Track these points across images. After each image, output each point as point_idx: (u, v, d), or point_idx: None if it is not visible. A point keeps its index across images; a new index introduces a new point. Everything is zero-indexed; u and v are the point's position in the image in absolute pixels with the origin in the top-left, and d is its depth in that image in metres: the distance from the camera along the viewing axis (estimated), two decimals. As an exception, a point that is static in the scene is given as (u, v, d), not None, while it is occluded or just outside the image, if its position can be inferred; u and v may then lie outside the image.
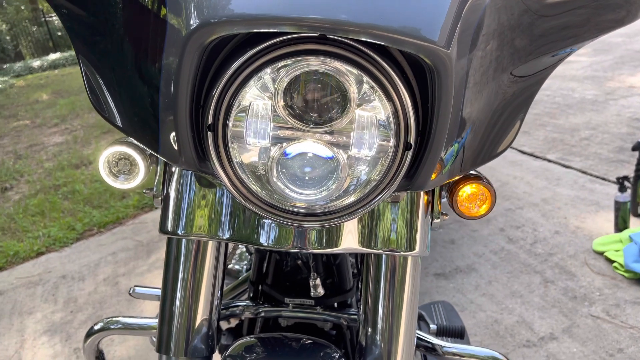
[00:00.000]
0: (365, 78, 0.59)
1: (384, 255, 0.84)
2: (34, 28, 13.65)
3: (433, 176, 0.69)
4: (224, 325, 1.26)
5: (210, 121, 0.61)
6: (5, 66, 11.81)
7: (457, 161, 0.72)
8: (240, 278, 1.38)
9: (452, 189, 0.85)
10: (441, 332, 1.33)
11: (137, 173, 0.81)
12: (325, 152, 0.64)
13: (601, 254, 2.40)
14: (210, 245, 0.82)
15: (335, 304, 1.18)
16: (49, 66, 11.77)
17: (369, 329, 0.86)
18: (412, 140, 0.63)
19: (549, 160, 3.52)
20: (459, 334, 1.33)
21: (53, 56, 12.61)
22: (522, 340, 1.96)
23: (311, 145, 0.64)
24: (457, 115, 0.65)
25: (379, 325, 0.85)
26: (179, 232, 0.79)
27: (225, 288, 1.36)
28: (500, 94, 0.75)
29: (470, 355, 1.10)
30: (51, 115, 6.73)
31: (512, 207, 2.93)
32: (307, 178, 0.66)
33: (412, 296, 0.85)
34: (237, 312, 1.13)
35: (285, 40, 0.58)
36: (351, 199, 0.68)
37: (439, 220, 0.89)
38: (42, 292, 2.66)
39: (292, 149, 0.64)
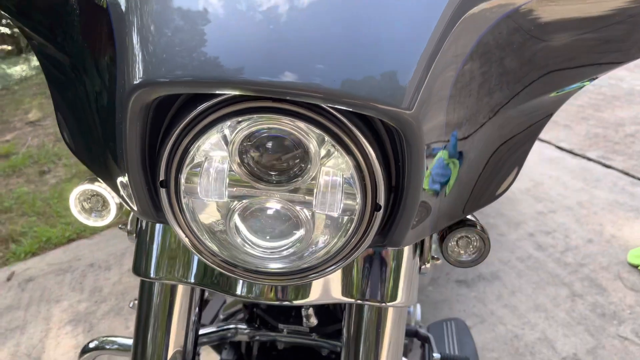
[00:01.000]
0: (327, 137, 0.54)
1: (365, 305, 0.79)
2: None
3: (411, 232, 0.64)
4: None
5: (162, 177, 0.58)
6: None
7: (440, 214, 0.67)
8: (232, 300, 1.36)
9: (442, 233, 0.80)
10: (445, 363, 1.28)
11: (109, 211, 0.80)
12: (288, 210, 0.60)
13: (636, 267, 2.27)
14: (182, 289, 0.80)
15: (332, 331, 1.15)
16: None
17: None
18: (381, 201, 0.58)
19: (589, 159, 3.34)
20: None
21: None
22: (542, 359, 1.88)
23: (272, 204, 0.60)
24: (439, 172, 0.60)
25: None
26: (151, 275, 0.77)
27: (222, 307, 1.35)
28: (494, 139, 0.68)
29: None
30: (92, 96, 6.87)
31: (544, 210, 2.80)
32: (268, 237, 0.63)
33: (394, 350, 0.80)
34: (229, 335, 1.11)
35: (240, 96, 0.54)
36: (321, 257, 0.63)
37: (429, 265, 0.84)
38: (70, 279, 2.74)
39: (252, 206, 0.61)
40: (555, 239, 2.55)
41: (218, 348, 1.13)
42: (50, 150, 4.82)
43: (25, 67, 9.08)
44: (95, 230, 3.20)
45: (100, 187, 0.77)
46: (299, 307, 1.11)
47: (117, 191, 0.67)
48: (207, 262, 0.64)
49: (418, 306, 1.69)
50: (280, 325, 1.11)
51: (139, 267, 0.78)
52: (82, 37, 0.65)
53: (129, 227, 0.83)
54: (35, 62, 9.53)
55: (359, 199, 0.58)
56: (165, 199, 0.60)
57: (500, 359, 1.86)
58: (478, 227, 0.81)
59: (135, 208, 0.64)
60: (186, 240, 0.63)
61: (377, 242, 0.64)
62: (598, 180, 3.06)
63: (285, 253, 0.62)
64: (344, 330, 0.82)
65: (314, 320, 1.07)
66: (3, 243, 3.18)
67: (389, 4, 0.54)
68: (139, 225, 0.80)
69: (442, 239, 0.80)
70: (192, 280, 0.76)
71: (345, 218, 0.61)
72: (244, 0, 0.52)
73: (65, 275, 2.78)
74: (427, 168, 0.56)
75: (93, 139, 0.66)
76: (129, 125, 0.54)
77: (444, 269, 2.34)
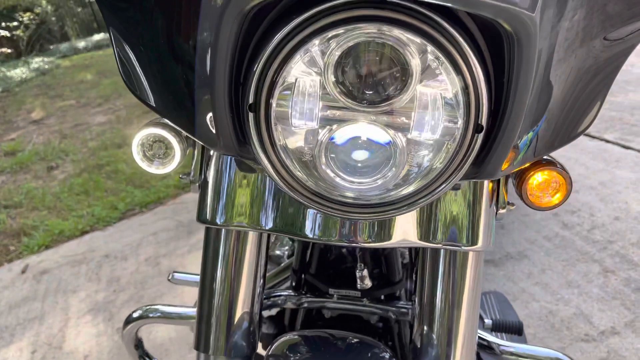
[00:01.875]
0: (430, 48, 0.50)
1: (442, 249, 0.75)
2: (79, 9, 13.89)
3: (505, 164, 0.60)
4: (266, 313, 1.20)
5: (251, 100, 0.53)
6: (51, 47, 12.09)
7: (531, 146, 0.63)
8: (282, 265, 1.31)
9: (521, 176, 0.75)
10: (497, 328, 1.23)
11: (173, 157, 0.75)
12: (382, 135, 0.56)
13: (667, 242, 2.23)
14: (251, 236, 0.75)
15: (383, 297, 1.10)
16: (93, 47, 11.96)
17: (425, 328, 0.78)
18: (483, 121, 0.54)
19: (607, 141, 3.31)
20: (516, 330, 1.23)
21: (97, 37, 12.79)
22: (580, 334, 1.83)
23: (365, 127, 0.55)
24: (538, 94, 0.55)
25: (436, 325, 0.76)
26: (218, 221, 0.72)
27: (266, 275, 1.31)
28: (583, 69, 0.64)
29: (530, 356, 1.01)
30: (95, 95, 6.84)
31: (566, 190, 2.76)
32: (360, 165, 0.58)
33: (474, 295, 0.76)
34: (279, 302, 1.07)
35: (336, 5, 0.49)
36: (410, 188, 0.59)
37: (504, 210, 0.80)
38: (86, 270, 2.69)
39: (344, 132, 0.56)
40: (580, 217, 2.51)
41: (269, 307, 1.09)
42: (57, 147, 4.77)
43: (25, 70, 9.04)
44: (108, 222, 3.16)
45: (164, 130, 0.72)
46: (351, 272, 1.06)
47: (190, 129, 0.62)
48: (293, 195, 0.60)
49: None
50: (331, 290, 1.07)
51: (204, 214, 0.73)
52: None
53: (191, 176, 0.78)
54: (34, 64, 9.49)
55: (460, 120, 0.53)
56: (253, 125, 0.55)
57: (537, 335, 1.81)
58: (558, 166, 0.77)
59: (215, 141, 0.60)
60: (272, 171, 0.58)
61: (469, 173, 0.60)
62: (618, 160, 3.02)
63: (379, 182, 0.58)
64: (418, 277, 0.78)
65: (368, 282, 1.03)
66: (15, 237, 3.13)
67: None
68: (203, 174, 0.75)
69: (521, 182, 0.76)
70: (262, 225, 0.72)
71: (443, 144, 0.56)
72: None
73: (81, 267, 2.73)
74: (534, 81, 0.52)
75: (161, 73, 0.61)
76: (220, 40, 0.49)
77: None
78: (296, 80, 0.53)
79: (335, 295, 1.06)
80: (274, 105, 0.53)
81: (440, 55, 0.50)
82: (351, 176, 0.58)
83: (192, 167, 0.77)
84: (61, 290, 2.54)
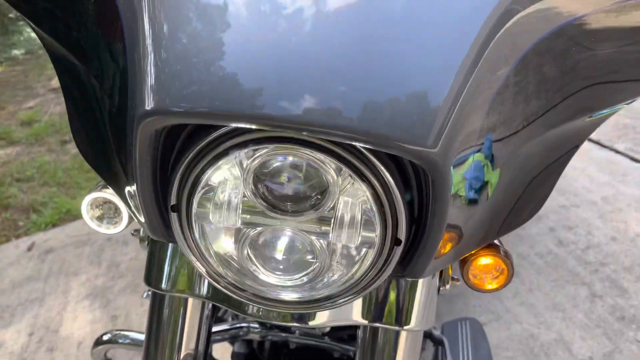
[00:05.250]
0: (344, 168, 0.51)
1: (380, 328, 0.77)
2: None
3: (432, 262, 0.61)
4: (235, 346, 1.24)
5: (173, 201, 0.56)
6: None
7: (464, 242, 0.64)
8: None
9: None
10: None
11: (122, 218, 0.78)
12: (304, 238, 0.58)
13: (660, 269, 2.21)
14: (195, 303, 0.78)
15: (346, 336, 1.14)
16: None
17: None
18: (402, 236, 0.55)
19: (617, 151, 3.24)
20: None
21: None
22: (556, 361, 1.85)
23: (287, 233, 0.58)
24: (464, 202, 0.56)
25: None
26: (162, 286, 0.76)
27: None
28: (523, 168, 0.65)
29: None
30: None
31: (566, 203, 2.73)
32: (281, 267, 0.61)
33: None
34: (242, 333, 1.11)
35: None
36: (333, 290, 0.61)
37: (448, 286, 0.81)
38: (89, 253, 2.78)
39: (265, 234, 0.59)
40: (577, 235, 2.49)
41: (231, 340, 1.13)
42: (72, 119, 4.84)
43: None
44: (114, 204, 3.23)
45: (113, 194, 0.75)
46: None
47: (127, 204, 0.65)
48: (218, 286, 0.63)
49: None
50: (293, 327, 1.10)
51: (151, 278, 0.76)
52: (97, 45, 0.62)
53: (141, 233, 0.81)
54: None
55: (378, 232, 0.55)
56: (177, 223, 0.58)
57: (515, 359, 1.83)
58: (501, 252, 0.77)
59: (145, 226, 0.62)
60: (197, 264, 0.61)
61: (395, 272, 0.62)
62: (625, 174, 2.97)
63: (299, 282, 0.60)
64: (358, 353, 0.80)
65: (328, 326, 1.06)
66: (24, 212, 3.23)
67: (416, 25, 0.49)
68: (149, 237, 0.78)
69: (463, 261, 0.77)
70: (204, 295, 0.75)
71: (363, 250, 0.58)
72: (261, 28, 0.49)
73: (84, 248, 2.82)
74: (453, 201, 0.53)
75: (105, 148, 0.63)
76: (139, 151, 0.51)
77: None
78: (219, 183, 0.55)
79: (297, 332, 1.10)
80: (194, 206, 0.55)
81: (352, 174, 0.51)
82: (273, 272, 0.60)
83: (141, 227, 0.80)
84: (63, 272, 2.63)
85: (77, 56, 0.65)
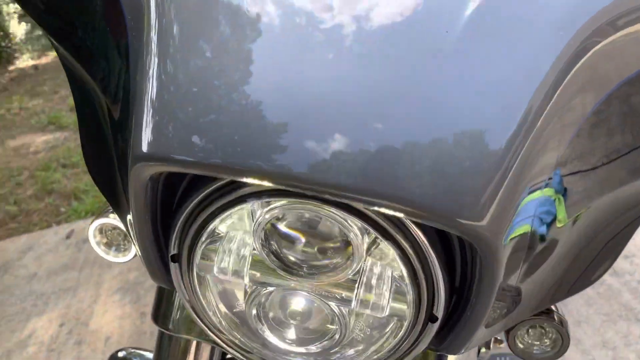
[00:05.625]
0: (372, 231, 0.43)
1: None
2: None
3: (474, 337, 0.52)
4: None
5: (174, 251, 0.49)
6: None
7: (514, 312, 0.54)
8: None
9: None
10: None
11: (131, 246, 0.72)
12: (321, 304, 0.50)
13: None
14: (203, 347, 0.72)
15: None
16: None
17: None
18: (439, 313, 0.46)
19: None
20: None
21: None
22: (603, 406, 1.70)
23: (300, 296, 0.50)
24: (513, 276, 0.47)
25: None
26: (170, 326, 0.70)
27: None
28: (595, 224, 0.55)
29: None
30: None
31: (625, 229, 2.54)
32: (293, 332, 0.53)
33: None
34: None
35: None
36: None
37: (489, 350, 0.72)
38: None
39: (276, 294, 0.51)
40: (634, 264, 2.30)
41: None
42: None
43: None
44: (152, 196, 3.24)
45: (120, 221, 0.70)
46: None
47: (131, 237, 0.59)
48: (222, 343, 0.56)
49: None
50: None
51: (158, 316, 0.70)
52: (108, 69, 0.56)
53: None
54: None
55: (410, 309, 0.46)
56: (177, 275, 0.51)
57: (556, 399, 1.70)
58: (555, 318, 0.67)
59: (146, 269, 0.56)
60: (199, 322, 0.54)
61: (429, 345, 0.53)
62: (692, 201, 2.74)
63: (313, 350, 0.52)
64: None
65: None
66: (66, 199, 3.28)
67: (469, 75, 0.40)
68: None
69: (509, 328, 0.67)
70: (215, 341, 0.68)
71: (392, 322, 0.49)
72: (281, 67, 0.40)
73: (120, 240, 2.83)
74: (503, 274, 0.43)
75: (113, 175, 0.57)
76: (134, 197, 0.45)
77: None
78: (226, 234, 0.48)
79: None
80: (197, 257, 0.49)
81: (382, 239, 0.43)
82: (283, 340, 0.53)
83: None
84: (98, 263, 2.64)
85: (88, 72, 0.59)
